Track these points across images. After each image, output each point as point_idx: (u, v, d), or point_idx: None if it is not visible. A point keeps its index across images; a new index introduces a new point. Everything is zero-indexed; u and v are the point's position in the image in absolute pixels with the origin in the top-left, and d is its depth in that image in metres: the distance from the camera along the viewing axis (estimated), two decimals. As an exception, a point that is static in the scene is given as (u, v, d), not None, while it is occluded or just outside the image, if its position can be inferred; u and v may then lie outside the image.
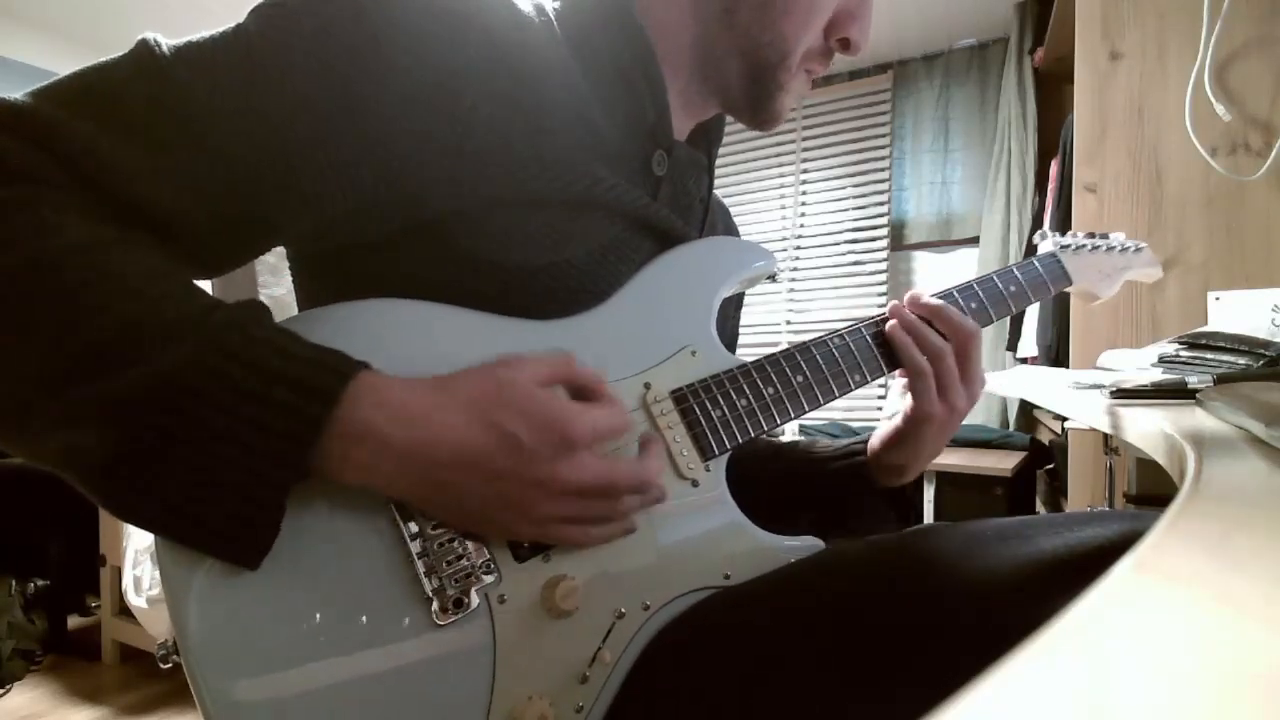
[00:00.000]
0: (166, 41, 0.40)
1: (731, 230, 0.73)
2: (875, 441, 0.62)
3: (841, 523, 0.64)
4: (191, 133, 0.39)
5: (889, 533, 0.56)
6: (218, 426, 0.35)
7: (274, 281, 0.79)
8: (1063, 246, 0.72)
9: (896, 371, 0.59)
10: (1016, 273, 0.66)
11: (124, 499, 0.35)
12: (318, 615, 0.39)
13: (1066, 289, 0.71)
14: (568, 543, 0.44)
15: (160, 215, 0.39)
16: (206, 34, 0.41)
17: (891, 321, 0.58)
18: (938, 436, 0.58)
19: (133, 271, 0.36)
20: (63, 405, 0.34)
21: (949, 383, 0.56)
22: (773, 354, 0.55)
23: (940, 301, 0.58)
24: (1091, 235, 0.74)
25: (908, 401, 0.58)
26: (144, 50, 0.40)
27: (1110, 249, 0.74)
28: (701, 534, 0.50)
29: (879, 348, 0.58)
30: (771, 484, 0.67)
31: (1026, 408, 2.53)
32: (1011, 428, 2.58)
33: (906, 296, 0.59)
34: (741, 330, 0.79)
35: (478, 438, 0.38)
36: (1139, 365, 0.88)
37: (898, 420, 0.59)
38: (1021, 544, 0.41)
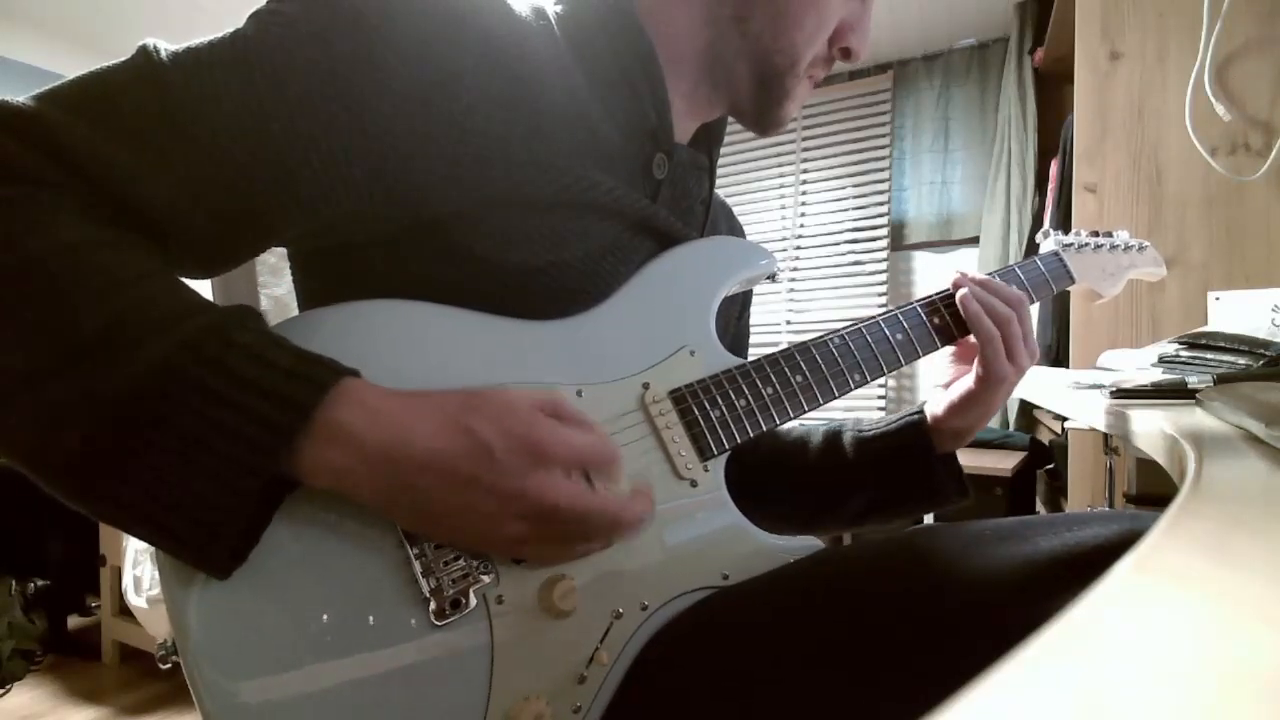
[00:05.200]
0: (166, 47, 0.40)
1: (735, 230, 0.73)
2: (938, 409, 0.64)
3: (900, 499, 0.65)
4: (189, 135, 0.39)
5: (948, 505, 0.64)
6: (189, 431, 0.34)
7: (274, 281, 0.79)
8: (1066, 245, 0.71)
9: (951, 345, 0.62)
10: (1019, 271, 0.66)
11: (91, 500, 0.35)
12: (316, 616, 0.39)
13: (1069, 287, 0.71)
14: (534, 563, 0.43)
15: (157, 216, 0.39)
16: (206, 39, 0.41)
17: (962, 291, 0.60)
18: (1004, 397, 0.61)
19: (121, 272, 0.37)
20: (40, 400, 0.34)
21: (1017, 346, 0.59)
22: (772, 354, 0.55)
23: (990, 276, 0.62)
24: (1095, 234, 0.73)
25: (977, 368, 0.60)
26: (143, 56, 0.40)
27: (1114, 247, 0.74)
28: (700, 534, 0.50)
29: (879, 346, 0.58)
30: (813, 470, 0.67)
31: (1026, 408, 2.53)
32: (1011, 428, 2.58)
33: (957, 275, 0.62)
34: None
35: (449, 441, 0.38)
36: (1139, 365, 0.88)
37: (968, 384, 0.61)
38: (1021, 544, 0.41)
